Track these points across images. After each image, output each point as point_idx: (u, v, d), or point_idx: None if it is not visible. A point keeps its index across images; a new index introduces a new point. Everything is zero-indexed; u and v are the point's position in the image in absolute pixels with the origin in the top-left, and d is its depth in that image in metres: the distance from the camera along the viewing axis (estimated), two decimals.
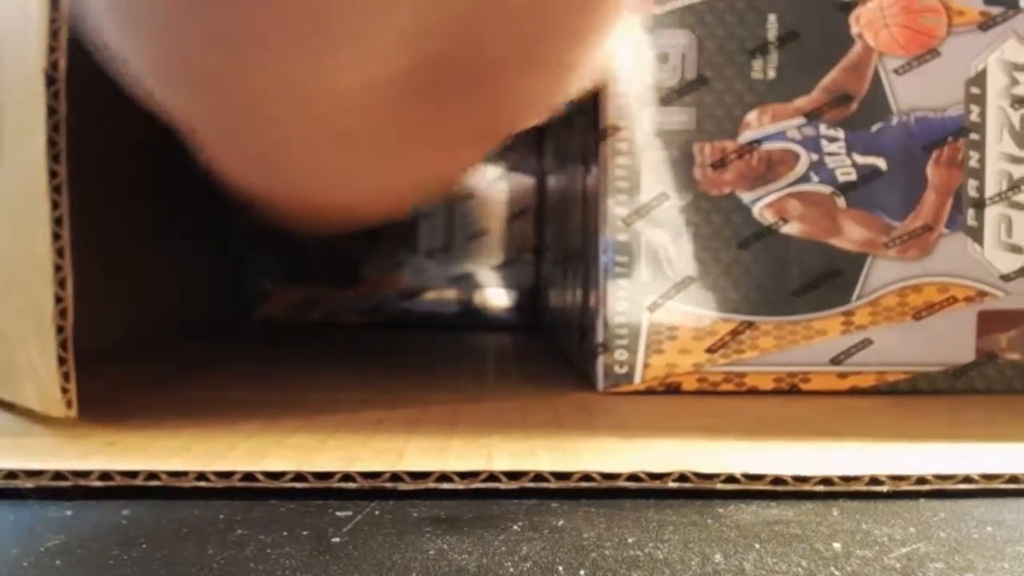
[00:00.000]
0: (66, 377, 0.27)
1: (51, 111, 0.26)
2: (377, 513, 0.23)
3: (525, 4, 0.21)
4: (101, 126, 0.44)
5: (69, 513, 0.22)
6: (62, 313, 0.26)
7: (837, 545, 0.20)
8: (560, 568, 0.19)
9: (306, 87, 0.23)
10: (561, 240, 0.51)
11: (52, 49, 0.26)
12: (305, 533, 0.21)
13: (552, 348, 0.55)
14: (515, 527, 0.22)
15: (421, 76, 0.23)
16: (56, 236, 0.26)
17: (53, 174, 0.26)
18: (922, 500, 0.24)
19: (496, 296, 0.70)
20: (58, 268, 0.26)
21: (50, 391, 0.27)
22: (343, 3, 0.20)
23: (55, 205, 0.26)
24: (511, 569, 0.19)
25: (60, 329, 0.27)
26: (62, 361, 0.27)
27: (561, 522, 0.22)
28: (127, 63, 0.24)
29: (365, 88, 0.23)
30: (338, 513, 0.22)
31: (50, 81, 0.26)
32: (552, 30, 0.23)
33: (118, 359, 0.46)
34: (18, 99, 0.28)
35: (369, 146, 0.27)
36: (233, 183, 0.37)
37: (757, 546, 0.20)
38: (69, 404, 0.27)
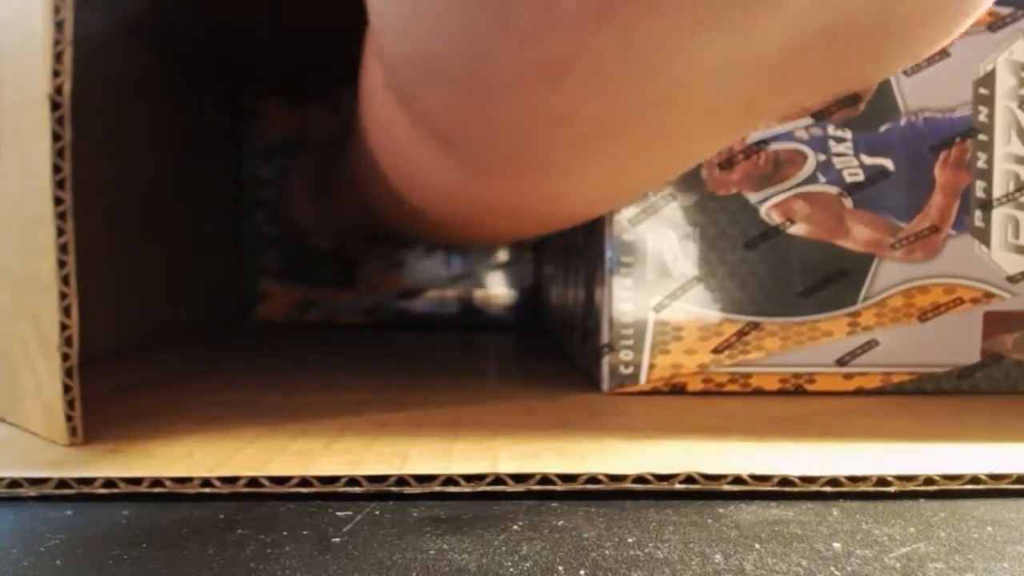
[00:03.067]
0: (71, 405, 0.26)
1: (56, 136, 0.25)
2: (377, 513, 0.22)
3: None
4: (102, 125, 0.44)
5: (69, 513, 0.22)
6: (67, 341, 0.26)
7: (837, 545, 0.20)
8: (560, 568, 0.19)
9: (660, 63, 0.19)
10: (562, 239, 0.51)
11: (56, 73, 0.25)
12: (305, 533, 0.21)
13: (552, 347, 0.55)
14: (515, 527, 0.22)
15: (792, 57, 0.20)
16: (62, 264, 0.25)
17: (58, 201, 0.25)
18: (922, 500, 0.24)
19: (496, 296, 0.70)
20: (63, 295, 0.26)
21: (55, 418, 0.27)
22: None
23: (60, 232, 0.25)
24: (511, 569, 0.19)
25: (66, 356, 0.26)
26: (67, 388, 0.26)
27: (561, 522, 0.22)
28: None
29: (724, 66, 0.19)
30: (338, 513, 0.22)
31: (55, 106, 0.25)
32: None
33: (119, 362, 0.46)
34: (20, 123, 0.27)
35: (688, 127, 0.23)
36: (444, 185, 0.31)
37: (757, 546, 0.20)
38: (74, 431, 0.27)
